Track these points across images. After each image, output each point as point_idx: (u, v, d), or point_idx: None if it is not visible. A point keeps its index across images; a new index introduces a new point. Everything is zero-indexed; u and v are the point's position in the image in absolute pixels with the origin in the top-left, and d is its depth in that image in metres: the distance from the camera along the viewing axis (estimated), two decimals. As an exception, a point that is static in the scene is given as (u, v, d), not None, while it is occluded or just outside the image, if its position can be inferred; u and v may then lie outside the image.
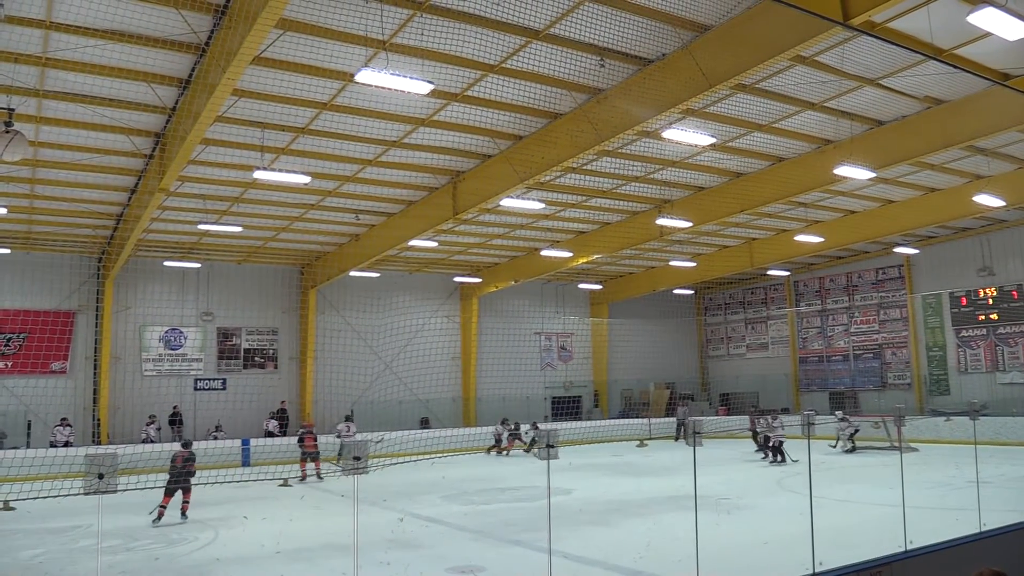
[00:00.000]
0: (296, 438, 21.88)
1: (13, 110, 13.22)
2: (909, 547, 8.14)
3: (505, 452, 27.48)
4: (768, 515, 13.85)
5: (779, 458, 21.90)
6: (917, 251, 31.02)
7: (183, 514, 14.45)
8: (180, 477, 14.50)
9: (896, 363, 33.02)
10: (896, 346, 33.04)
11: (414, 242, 24.93)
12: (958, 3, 12.00)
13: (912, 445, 23.23)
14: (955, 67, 13.23)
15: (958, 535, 8.54)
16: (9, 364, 25.55)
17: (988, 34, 11.85)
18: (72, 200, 21.39)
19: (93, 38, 12.39)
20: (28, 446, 23.30)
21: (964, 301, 30.48)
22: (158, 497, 14.23)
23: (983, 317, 29.85)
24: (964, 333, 30.49)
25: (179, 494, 14.59)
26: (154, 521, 14.07)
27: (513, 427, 28.24)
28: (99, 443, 24.59)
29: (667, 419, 33.69)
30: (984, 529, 8.99)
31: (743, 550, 10.82)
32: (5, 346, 25.52)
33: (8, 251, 25.15)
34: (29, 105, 14.77)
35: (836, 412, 26.74)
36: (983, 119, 16.50)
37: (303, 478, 20.30)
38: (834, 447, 24.26)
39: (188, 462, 14.87)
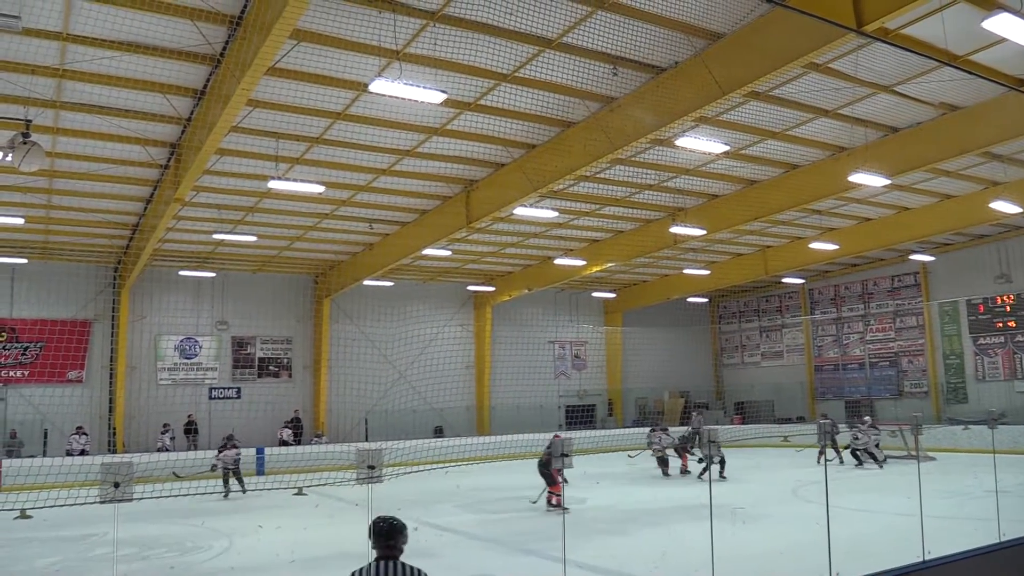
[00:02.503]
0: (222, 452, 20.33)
1: (31, 121, 13.35)
2: (927, 557, 8.05)
3: (682, 470, 22.16)
4: (784, 524, 13.76)
5: (861, 462, 22.61)
6: (933, 258, 30.79)
7: (549, 503, 15.97)
8: (545, 471, 16.13)
9: (913, 371, 32.76)
10: (913, 354, 32.78)
11: (428, 251, 24.96)
12: (973, 9, 11.94)
13: (930, 454, 22.99)
14: (970, 73, 13.16)
15: (977, 545, 8.44)
16: (26, 373, 25.75)
17: (1003, 40, 11.79)
18: (89, 210, 21.55)
19: (109, 50, 12.51)
20: (44, 455, 23.44)
21: (981, 308, 30.22)
22: (171, 506, 14.30)
23: (1001, 324, 29.59)
24: (982, 341, 30.22)
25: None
26: (558, 507, 15.64)
27: (688, 434, 22.99)
28: (115, 452, 24.75)
29: (682, 427, 33.50)
30: (1003, 539, 8.89)
31: (759, 559, 10.75)
32: (22, 355, 25.72)
33: (25, 261, 25.36)
34: (46, 116, 14.90)
35: (865, 418, 26.07)
36: (999, 125, 16.37)
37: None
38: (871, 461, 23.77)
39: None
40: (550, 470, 15.70)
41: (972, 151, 17.67)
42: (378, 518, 4.96)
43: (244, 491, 19.68)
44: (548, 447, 16.01)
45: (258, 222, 23.43)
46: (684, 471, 22.09)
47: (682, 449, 22.43)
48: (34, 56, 12.72)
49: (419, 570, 4.80)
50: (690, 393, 38.47)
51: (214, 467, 19.61)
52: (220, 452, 19.98)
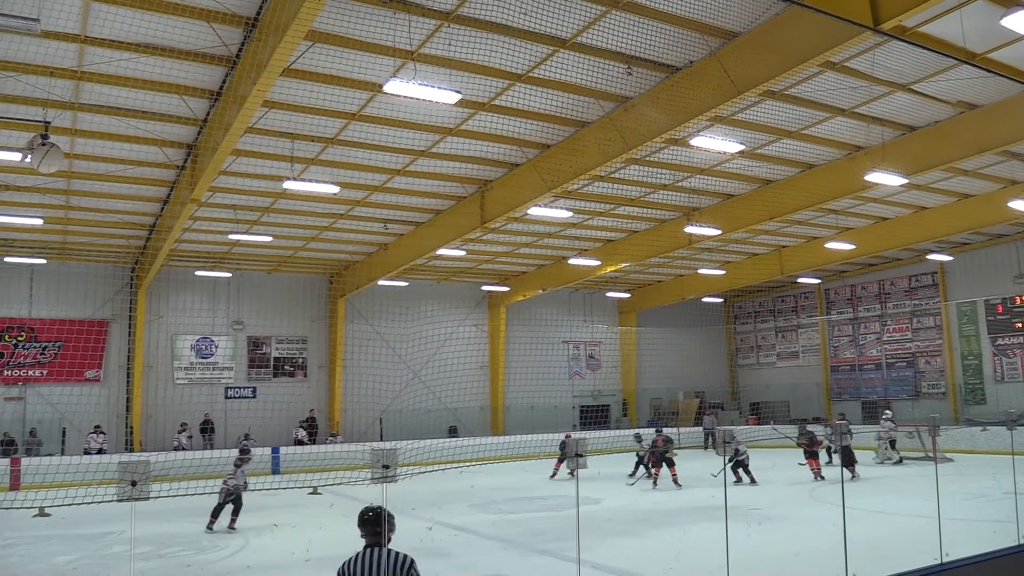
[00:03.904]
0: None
1: (49, 123, 13.45)
2: (945, 559, 7.99)
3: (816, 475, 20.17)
4: (800, 526, 13.69)
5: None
6: (951, 258, 30.55)
7: (675, 483, 19.04)
8: (661, 456, 19.42)
9: (930, 372, 32.50)
10: (930, 355, 32.53)
11: (442, 251, 24.99)
12: (991, 6, 11.83)
13: (947, 455, 22.83)
14: (989, 71, 13.05)
15: (995, 548, 8.37)
16: (45, 372, 25.98)
17: (1022, 37, 11.68)
18: (106, 211, 21.70)
19: (127, 51, 12.61)
20: (63, 453, 23.65)
21: (1000, 309, 29.96)
22: (188, 504, 14.33)
23: (1020, 325, 29.31)
24: (1000, 341, 29.96)
25: (665, 468, 19.52)
26: (654, 484, 19.36)
27: (802, 432, 20.87)
28: (132, 450, 24.92)
29: (696, 428, 33.42)
30: (1023, 542, 8.80)
31: (774, 561, 10.70)
32: (41, 354, 25.95)
33: (44, 261, 25.60)
34: (64, 118, 15.03)
35: (886, 412, 25.67)
36: (1018, 123, 16.22)
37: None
38: (881, 461, 23.64)
39: (668, 443, 19.52)
40: (667, 455, 19.13)
41: (990, 150, 17.51)
42: (365, 508, 5.24)
43: (233, 527, 14.64)
44: (658, 432, 19.95)
45: (273, 222, 23.54)
46: (818, 476, 20.19)
47: (809, 453, 20.48)
48: (52, 58, 12.84)
49: (405, 555, 5.05)
50: (705, 393, 38.34)
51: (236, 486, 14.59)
52: (238, 467, 14.87)
